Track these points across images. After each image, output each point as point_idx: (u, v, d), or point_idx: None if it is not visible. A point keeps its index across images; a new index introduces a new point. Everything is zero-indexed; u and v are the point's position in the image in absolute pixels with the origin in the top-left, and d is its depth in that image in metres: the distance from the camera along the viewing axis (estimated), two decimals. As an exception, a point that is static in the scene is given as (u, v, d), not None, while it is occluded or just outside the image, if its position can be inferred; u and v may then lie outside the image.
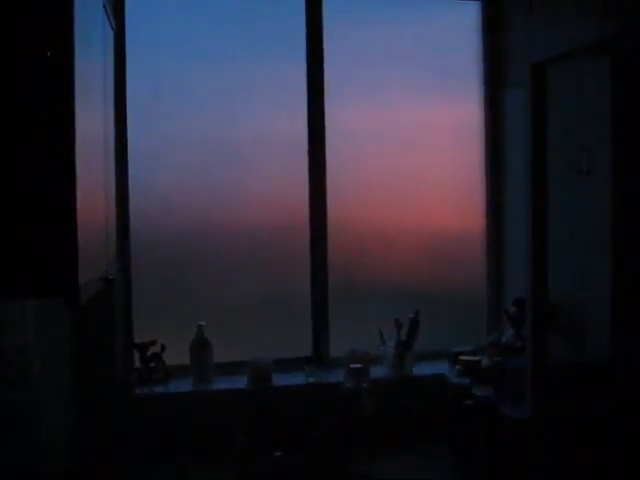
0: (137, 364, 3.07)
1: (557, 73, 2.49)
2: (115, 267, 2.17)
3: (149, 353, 3.05)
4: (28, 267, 1.40)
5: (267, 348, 3.12)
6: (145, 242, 3.10)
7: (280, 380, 3.06)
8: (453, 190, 3.41)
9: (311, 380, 3.06)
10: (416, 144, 3.36)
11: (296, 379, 3.09)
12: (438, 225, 3.42)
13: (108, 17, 1.95)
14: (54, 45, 1.37)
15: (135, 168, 3.05)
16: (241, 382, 3.04)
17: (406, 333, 3.13)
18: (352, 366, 2.99)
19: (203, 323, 3.06)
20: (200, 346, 3.06)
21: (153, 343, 3.06)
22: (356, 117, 3.29)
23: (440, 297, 3.39)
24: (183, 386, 3.02)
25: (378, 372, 3.11)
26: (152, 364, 3.06)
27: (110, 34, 2.08)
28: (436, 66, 3.34)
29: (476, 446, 2.71)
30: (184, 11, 3.11)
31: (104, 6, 1.83)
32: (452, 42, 3.35)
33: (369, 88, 3.30)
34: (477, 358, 3.04)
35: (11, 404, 2.11)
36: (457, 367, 3.06)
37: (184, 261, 3.18)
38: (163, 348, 3.07)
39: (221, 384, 3.04)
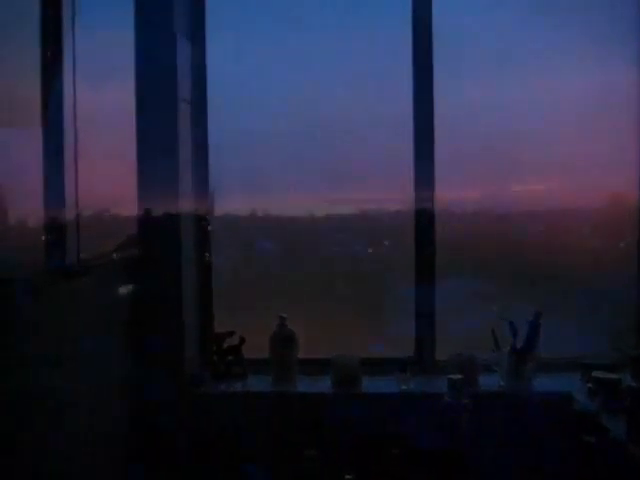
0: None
1: None
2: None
3: (225, 345, 2.75)
4: None
5: (361, 346, 2.71)
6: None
7: (371, 386, 2.61)
8: (607, 176, 2.75)
9: (404, 388, 2.57)
10: (565, 119, 2.74)
11: (390, 385, 2.61)
12: (586, 209, 2.78)
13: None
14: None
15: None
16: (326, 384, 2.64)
17: (523, 339, 2.53)
18: (450, 377, 2.46)
19: (285, 315, 2.69)
20: (282, 341, 2.70)
21: (231, 334, 2.75)
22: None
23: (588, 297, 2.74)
24: (262, 385, 2.68)
25: (490, 382, 2.56)
26: (229, 357, 2.75)
27: None
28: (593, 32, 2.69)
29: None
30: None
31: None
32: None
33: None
34: (616, 376, 2.36)
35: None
36: (589, 385, 2.41)
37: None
38: (242, 341, 2.75)
39: (303, 385, 2.66)
